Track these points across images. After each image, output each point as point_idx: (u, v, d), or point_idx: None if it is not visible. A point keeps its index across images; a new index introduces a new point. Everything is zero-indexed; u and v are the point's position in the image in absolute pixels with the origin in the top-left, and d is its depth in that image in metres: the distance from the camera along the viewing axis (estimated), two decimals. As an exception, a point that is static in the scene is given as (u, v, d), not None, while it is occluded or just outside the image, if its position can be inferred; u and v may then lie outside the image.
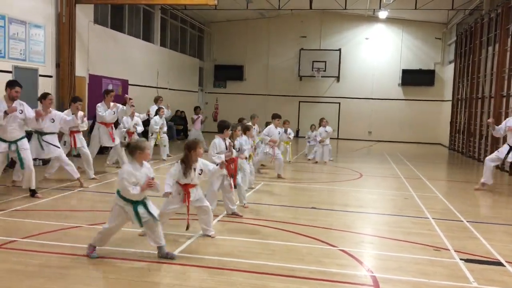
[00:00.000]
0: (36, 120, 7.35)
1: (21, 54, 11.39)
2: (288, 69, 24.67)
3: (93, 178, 9.17)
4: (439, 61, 23.47)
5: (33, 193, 7.40)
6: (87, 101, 14.22)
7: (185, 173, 5.24)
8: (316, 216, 7.02)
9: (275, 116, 10.60)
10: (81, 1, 13.14)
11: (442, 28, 23.11)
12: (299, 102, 24.58)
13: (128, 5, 17.19)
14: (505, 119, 13.62)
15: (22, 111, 7.17)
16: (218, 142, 6.54)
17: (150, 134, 12.35)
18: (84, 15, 13.77)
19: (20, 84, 7.30)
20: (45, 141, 8.00)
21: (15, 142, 7.14)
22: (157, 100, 13.72)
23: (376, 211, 7.69)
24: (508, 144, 9.58)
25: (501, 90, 14.10)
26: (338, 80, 24.29)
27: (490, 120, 9.82)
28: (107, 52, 15.40)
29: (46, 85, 12.39)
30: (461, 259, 5.14)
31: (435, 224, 6.70)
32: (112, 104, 9.94)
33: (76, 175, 8.35)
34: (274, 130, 10.42)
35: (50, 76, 12.57)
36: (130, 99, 10.15)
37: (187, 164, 5.25)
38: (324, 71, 23.83)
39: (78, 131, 9.01)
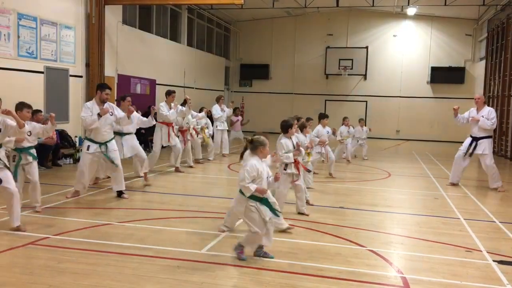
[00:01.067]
0: (128, 118, 7.61)
1: (52, 54, 11.64)
2: (314, 68, 24.50)
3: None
4: (469, 58, 22.93)
5: (119, 193, 7.59)
6: (115, 100, 14.44)
7: None
8: (344, 215, 6.96)
9: (323, 116, 10.42)
10: (110, 2, 13.35)
11: (472, 25, 22.57)
12: (325, 100, 24.38)
13: (156, 5, 17.37)
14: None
15: (112, 113, 7.41)
16: (285, 141, 6.54)
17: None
18: (113, 15, 13.98)
19: (110, 87, 7.55)
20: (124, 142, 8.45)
21: (105, 143, 7.33)
22: (219, 99, 13.58)
23: (405, 211, 7.57)
24: (470, 136, 9.49)
25: (535, 88, 13.71)
26: (365, 78, 24.00)
27: (455, 107, 9.70)
28: (135, 52, 15.60)
29: (77, 85, 12.65)
30: (494, 260, 5.02)
31: (466, 225, 6.56)
32: (173, 104, 10.05)
33: (145, 169, 8.82)
34: (322, 130, 10.26)
35: (80, 76, 12.82)
36: (189, 99, 10.34)
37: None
38: (351, 69, 23.58)
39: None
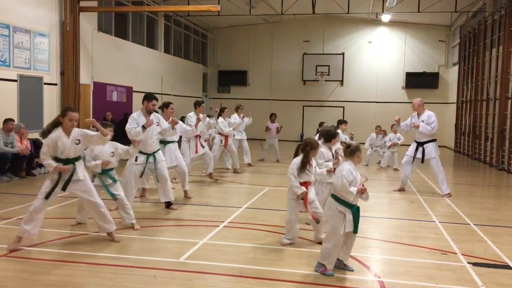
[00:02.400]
0: (172, 129, 7.43)
1: (25, 62, 11.45)
2: (291, 74, 24.67)
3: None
4: (443, 63, 23.41)
5: (168, 204, 7.45)
6: (91, 108, 14.28)
7: (306, 168, 5.47)
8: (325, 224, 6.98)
9: (341, 122, 10.41)
10: (85, 9, 13.22)
11: (445, 31, 23.07)
12: (303, 106, 24.56)
13: (132, 12, 17.28)
14: (510, 121, 13.63)
15: (158, 123, 7.23)
16: (326, 151, 6.52)
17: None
18: (88, 23, 13.84)
19: (157, 97, 7.34)
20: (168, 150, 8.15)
21: (153, 154, 7.15)
22: (238, 108, 13.39)
23: (382, 215, 7.66)
24: (415, 141, 9.59)
25: (506, 92, 14.06)
26: (342, 84, 24.26)
27: (396, 118, 9.77)
28: (111, 59, 15.47)
29: (51, 93, 12.46)
30: (468, 262, 5.11)
31: (442, 228, 6.67)
32: (201, 115, 9.75)
33: (187, 186, 8.50)
34: (341, 136, 10.24)
35: (55, 84, 12.64)
36: (217, 111, 10.30)
37: (307, 161, 5.46)
38: (328, 75, 23.81)
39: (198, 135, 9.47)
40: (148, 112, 7.15)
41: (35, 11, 11.76)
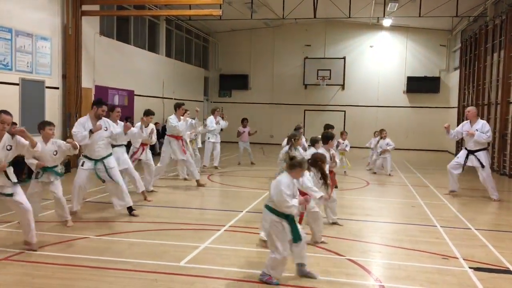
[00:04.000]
0: (124, 134, 7.43)
1: (28, 66, 11.48)
2: (293, 78, 24.70)
3: (151, 191, 9.24)
4: (444, 68, 23.42)
5: (130, 210, 7.32)
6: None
7: (326, 181, 5.55)
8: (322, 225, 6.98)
9: (329, 127, 10.37)
10: (87, 13, 13.26)
11: (446, 35, 23.10)
12: (305, 110, 24.56)
13: (134, 16, 17.32)
14: (512, 125, 13.61)
15: (107, 128, 7.20)
16: (323, 152, 6.55)
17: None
18: (90, 27, 13.88)
19: (106, 103, 7.37)
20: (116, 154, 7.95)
21: (101, 160, 7.09)
22: (214, 111, 13.40)
23: (383, 220, 7.64)
24: (465, 148, 9.56)
25: (508, 97, 14.05)
26: (343, 88, 24.27)
27: (446, 125, 9.63)
28: (113, 63, 15.50)
29: (53, 97, 12.47)
30: (470, 267, 5.10)
31: (443, 232, 6.65)
32: (182, 117, 9.90)
33: (142, 188, 8.39)
34: (341, 144, 10.21)
35: (57, 88, 12.66)
36: (198, 111, 10.27)
37: (325, 176, 5.56)
38: (329, 79, 23.83)
39: (147, 144, 9.07)
40: (97, 118, 7.14)
41: (37, 15, 11.80)
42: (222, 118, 13.55)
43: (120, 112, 8.13)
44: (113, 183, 7.16)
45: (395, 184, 11.66)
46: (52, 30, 12.36)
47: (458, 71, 21.20)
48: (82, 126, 7.02)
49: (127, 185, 7.91)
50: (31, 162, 6.13)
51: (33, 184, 6.31)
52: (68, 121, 12.72)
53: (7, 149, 5.20)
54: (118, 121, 7.89)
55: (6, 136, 5.22)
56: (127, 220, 7.04)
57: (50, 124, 6.39)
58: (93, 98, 14.30)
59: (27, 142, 5.28)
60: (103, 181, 7.24)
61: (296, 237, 4.52)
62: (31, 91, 11.61)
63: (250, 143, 14.94)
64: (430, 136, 23.15)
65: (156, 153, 15.23)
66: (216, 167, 13.25)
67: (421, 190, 10.52)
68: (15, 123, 10.22)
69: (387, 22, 21.74)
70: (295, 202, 4.43)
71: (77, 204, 7.23)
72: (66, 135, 12.54)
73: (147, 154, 9.22)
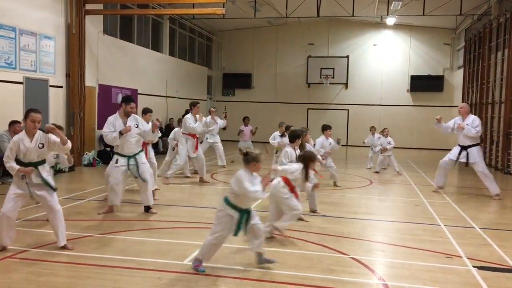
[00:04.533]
0: (152, 132, 7.45)
1: (31, 65, 11.52)
2: (296, 77, 24.69)
3: (156, 189, 9.24)
4: (448, 66, 23.37)
5: (147, 208, 7.34)
6: (96, 110, 14.34)
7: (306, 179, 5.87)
8: (326, 223, 6.99)
9: (326, 127, 10.36)
10: (91, 12, 13.29)
11: (450, 34, 23.03)
12: (308, 109, 24.56)
13: (137, 15, 17.35)
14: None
15: (137, 125, 7.22)
16: (290, 151, 6.78)
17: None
18: (93, 26, 13.91)
19: (134, 100, 7.39)
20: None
21: (134, 156, 7.13)
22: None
23: (387, 218, 7.64)
24: (458, 144, 9.63)
25: (511, 95, 14.00)
26: (346, 87, 24.26)
27: (438, 116, 9.81)
28: (116, 62, 15.53)
29: (57, 96, 12.52)
30: (474, 266, 5.09)
31: (446, 231, 6.65)
32: (198, 116, 9.94)
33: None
34: (325, 142, 10.19)
35: (61, 87, 12.70)
36: (213, 111, 10.29)
37: (307, 174, 5.84)
38: (333, 78, 23.82)
39: (148, 143, 8.94)
40: (126, 115, 7.17)
41: (41, 14, 11.83)
42: (225, 116, 13.55)
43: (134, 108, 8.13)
44: (140, 180, 7.19)
45: (399, 183, 11.65)
46: (56, 29, 12.39)
47: (462, 70, 21.15)
48: (111, 125, 7.04)
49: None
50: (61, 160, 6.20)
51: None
52: (72, 119, 12.77)
53: (39, 147, 5.22)
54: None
55: (38, 133, 5.24)
56: (131, 218, 7.06)
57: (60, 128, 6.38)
58: (96, 97, 14.36)
59: (58, 139, 5.29)
60: (136, 177, 7.27)
61: (236, 232, 4.75)
62: (35, 90, 11.65)
63: (253, 142, 14.89)
64: (433, 135, 23.00)
65: (159, 152, 15.26)
66: (224, 166, 13.18)
67: (425, 189, 10.51)
68: (19, 122, 10.29)
69: (390, 20, 21.71)
70: (257, 187, 4.64)
71: (118, 200, 7.22)
72: (70, 133, 12.61)
73: (150, 153, 9.23)
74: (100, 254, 5.20)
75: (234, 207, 4.70)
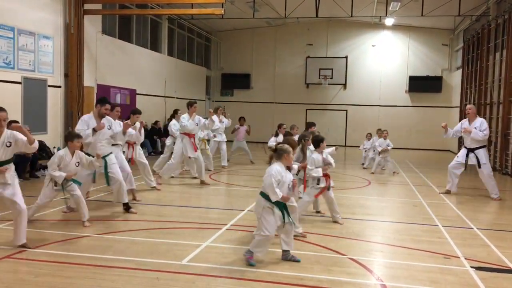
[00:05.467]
0: (123, 134, 7.52)
1: (30, 65, 11.50)
2: (295, 77, 24.69)
3: (153, 187, 9.30)
4: (446, 67, 23.39)
5: (127, 207, 7.37)
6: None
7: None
8: (324, 224, 6.99)
9: (311, 125, 10.27)
10: (89, 12, 13.28)
11: (449, 35, 23.07)
12: (306, 109, 24.56)
13: (136, 15, 17.34)
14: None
15: (110, 127, 7.30)
16: (316, 157, 6.78)
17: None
18: (92, 25, 13.90)
19: (110, 102, 7.45)
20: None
21: (103, 158, 7.12)
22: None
23: (385, 219, 7.64)
24: (465, 147, 9.62)
25: (510, 96, 14.02)
26: (345, 88, 24.27)
27: (443, 124, 9.78)
28: (115, 62, 15.52)
29: (55, 96, 12.51)
30: (471, 267, 5.10)
31: (445, 232, 6.65)
32: (196, 116, 9.96)
33: (131, 186, 8.20)
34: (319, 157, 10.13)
35: (59, 87, 12.69)
36: (212, 113, 10.30)
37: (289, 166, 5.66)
38: (331, 78, 23.83)
39: (134, 142, 9.00)
40: (100, 116, 7.23)
41: (39, 14, 11.82)
42: (225, 116, 13.56)
43: (120, 112, 8.16)
44: (112, 180, 7.24)
45: (397, 183, 11.66)
46: (54, 29, 12.39)
47: (460, 71, 21.17)
48: (85, 124, 7.10)
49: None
50: (59, 174, 6.18)
51: (51, 193, 6.38)
52: (70, 119, 12.75)
53: (6, 146, 5.16)
54: (117, 120, 7.93)
55: (5, 132, 5.18)
56: (129, 218, 7.05)
57: (80, 137, 6.53)
58: (95, 97, 14.34)
59: (25, 139, 5.23)
60: (108, 184, 7.34)
61: (283, 217, 4.93)
62: (33, 90, 11.64)
63: (251, 142, 14.90)
64: (432, 135, 23.12)
65: (149, 152, 15.28)
66: (223, 167, 13.18)
67: (423, 189, 10.52)
68: (17, 121, 10.27)
69: (389, 21, 21.73)
70: (279, 192, 4.80)
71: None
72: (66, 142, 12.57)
73: (137, 152, 9.20)
74: (98, 254, 5.19)
75: (269, 199, 4.86)
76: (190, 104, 10.12)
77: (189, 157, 10.15)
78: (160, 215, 7.39)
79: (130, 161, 8.83)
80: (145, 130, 11.52)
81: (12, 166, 5.36)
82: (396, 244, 6.02)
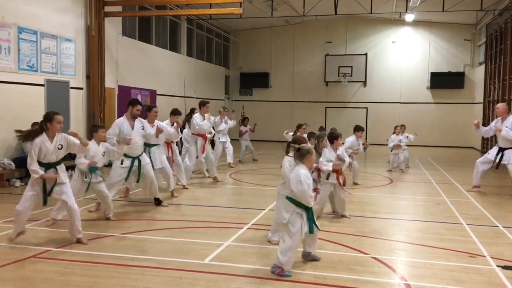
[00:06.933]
0: (156, 136, 7.70)
1: (52, 67, 11.70)
2: (314, 75, 24.58)
3: (184, 186, 9.43)
4: (468, 63, 22.98)
5: (158, 202, 7.68)
6: (116, 111, 14.48)
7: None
8: (346, 223, 6.95)
9: (358, 129, 10.27)
10: (110, 14, 13.43)
11: (471, 29, 22.65)
12: (326, 108, 24.43)
13: (155, 16, 17.47)
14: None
15: (143, 128, 7.47)
16: (330, 151, 6.84)
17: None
18: (112, 27, 14.06)
19: (141, 102, 7.62)
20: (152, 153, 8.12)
21: (137, 157, 7.36)
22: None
23: (408, 217, 7.56)
24: (497, 146, 9.38)
25: (535, 91, 13.72)
26: (365, 85, 24.06)
27: (476, 122, 9.64)
28: (135, 63, 15.67)
29: (77, 97, 12.69)
30: (497, 265, 5.00)
31: (469, 230, 6.54)
32: (206, 115, 10.01)
33: (172, 187, 8.52)
34: (355, 142, 10.09)
35: (81, 88, 12.87)
36: (223, 112, 10.34)
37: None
38: (351, 76, 23.65)
39: (173, 142, 9.19)
40: (132, 117, 7.36)
41: (61, 17, 12.01)
42: (242, 116, 13.75)
43: (157, 112, 8.20)
44: (146, 178, 7.48)
45: (420, 181, 11.51)
46: (75, 31, 12.57)
47: (483, 66, 20.80)
48: (118, 127, 7.28)
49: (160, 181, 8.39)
50: (82, 161, 6.30)
51: (80, 184, 6.49)
52: (93, 121, 12.92)
53: (58, 148, 5.40)
54: (156, 121, 8.09)
55: (57, 135, 5.42)
56: (151, 218, 7.12)
57: (103, 127, 6.74)
58: (116, 98, 14.52)
59: (77, 141, 5.50)
60: (137, 181, 7.58)
61: (311, 228, 4.70)
62: (56, 92, 11.83)
63: (252, 140, 15.32)
64: (455, 132, 22.81)
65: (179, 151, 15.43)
66: (229, 164, 13.27)
67: (446, 187, 10.36)
68: (37, 123, 10.46)
69: (409, 17, 21.44)
70: (313, 195, 4.69)
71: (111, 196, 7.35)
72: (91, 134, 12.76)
73: (175, 151, 9.37)
74: (122, 253, 5.25)
75: (299, 204, 4.66)
76: (203, 104, 10.14)
77: (196, 157, 10.19)
78: (182, 214, 7.44)
79: (171, 160, 8.98)
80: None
81: (63, 166, 5.62)
82: (419, 243, 5.94)
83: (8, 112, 10.34)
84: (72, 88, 12.45)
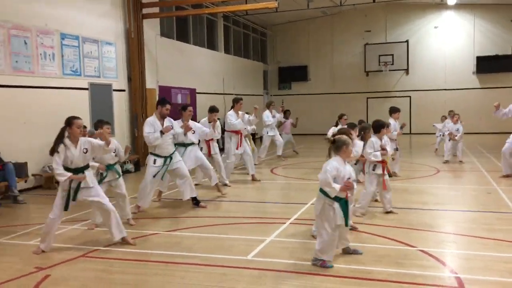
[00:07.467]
0: (184, 135, 7.77)
1: (95, 71, 12.01)
2: (353, 66, 24.16)
3: (225, 184, 9.48)
4: (516, 44, 21.96)
5: (196, 202, 7.67)
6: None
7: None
8: (392, 215, 6.77)
9: (395, 110, 10.06)
10: (148, 16, 13.66)
11: (518, 9, 21.63)
12: (367, 98, 23.98)
13: (192, 15, 17.64)
14: None
15: (172, 127, 7.54)
16: (375, 141, 6.76)
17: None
18: (151, 29, 14.29)
19: (170, 102, 7.71)
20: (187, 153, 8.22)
21: (170, 156, 7.43)
22: (269, 105, 13.50)
23: (457, 208, 7.29)
24: None
25: None
26: (407, 73, 23.43)
27: (496, 103, 9.45)
28: (174, 62, 15.88)
29: (120, 99, 12.99)
30: (556, 256, 4.74)
31: (523, 220, 6.25)
32: (240, 112, 10.08)
33: (215, 181, 8.52)
34: (395, 125, 9.85)
35: (123, 90, 13.16)
36: (257, 109, 10.41)
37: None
38: (392, 64, 23.09)
39: (213, 139, 9.28)
40: (162, 117, 7.35)
41: (101, 22, 12.31)
42: (282, 111, 13.73)
43: (192, 111, 8.27)
44: (180, 177, 7.44)
45: (468, 170, 11.10)
46: (116, 35, 12.85)
47: (533, 47, 19.80)
48: (152, 126, 7.27)
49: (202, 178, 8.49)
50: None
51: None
52: (135, 121, 13.20)
53: (83, 152, 5.41)
54: (190, 120, 8.13)
55: (80, 140, 5.42)
56: (194, 215, 7.19)
57: (107, 123, 6.69)
58: (157, 98, 14.76)
59: (103, 143, 5.52)
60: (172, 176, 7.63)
61: (346, 221, 4.59)
62: (100, 95, 12.15)
63: (294, 134, 15.29)
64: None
65: (220, 148, 15.52)
66: (279, 156, 13.47)
67: (497, 175, 9.94)
68: (85, 127, 10.75)
69: (452, 0, 20.68)
70: (336, 186, 4.45)
71: (146, 202, 7.42)
72: (135, 135, 13.05)
73: (214, 149, 9.41)
74: (167, 251, 5.32)
75: (329, 196, 4.57)
76: (236, 101, 10.14)
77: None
78: (224, 210, 7.48)
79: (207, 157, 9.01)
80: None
81: (90, 170, 5.63)
82: (469, 234, 5.72)
83: (55, 116, 10.66)
84: (114, 90, 12.75)
